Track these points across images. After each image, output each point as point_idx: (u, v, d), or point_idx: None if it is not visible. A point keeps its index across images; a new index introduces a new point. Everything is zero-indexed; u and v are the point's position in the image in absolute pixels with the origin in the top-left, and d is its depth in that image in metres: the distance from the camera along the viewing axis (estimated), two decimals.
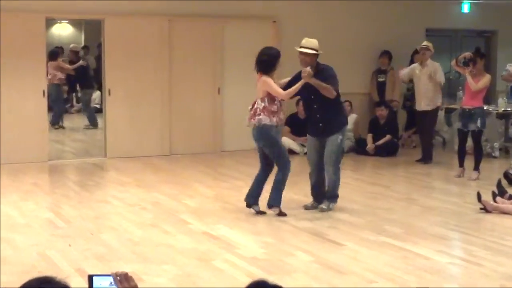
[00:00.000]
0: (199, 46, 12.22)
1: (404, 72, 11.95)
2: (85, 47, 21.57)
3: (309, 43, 8.15)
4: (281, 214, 7.70)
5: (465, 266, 6.06)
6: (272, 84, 7.64)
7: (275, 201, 7.71)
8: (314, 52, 8.06)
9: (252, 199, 7.80)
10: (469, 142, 10.68)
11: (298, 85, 7.73)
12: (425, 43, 11.67)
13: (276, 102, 7.68)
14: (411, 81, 13.08)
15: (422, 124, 11.79)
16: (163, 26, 11.96)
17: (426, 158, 11.55)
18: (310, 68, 7.81)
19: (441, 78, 11.46)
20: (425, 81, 11.46)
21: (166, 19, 11.99)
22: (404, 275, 5.70)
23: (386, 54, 13.46)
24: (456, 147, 10.81)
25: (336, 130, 7.98)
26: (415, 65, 11.81)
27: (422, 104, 11.55)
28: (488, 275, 5.75)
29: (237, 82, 12.53)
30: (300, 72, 7.83)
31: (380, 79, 13.43)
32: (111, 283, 2.71)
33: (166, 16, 12.00)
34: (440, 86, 11.57)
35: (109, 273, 2.74)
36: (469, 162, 10.37)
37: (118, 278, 2.72)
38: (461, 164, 10.33)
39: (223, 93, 12.54)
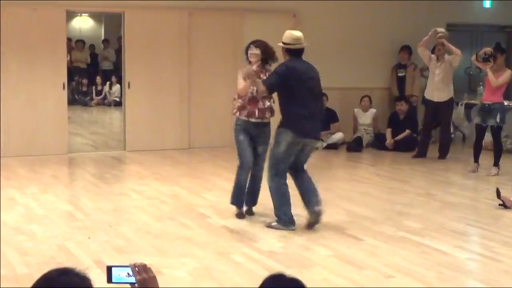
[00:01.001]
0: (219, 40, 12.21)
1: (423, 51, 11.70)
2: (105, 40, 21.69)
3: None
4: (238, 215, 7.43)
5: (484, 262, 6.02)
6: (238, 77, 7.30)
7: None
8: (281, 45, 7.08)
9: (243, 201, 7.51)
10: (489, 138, 10.62)
11: (246, 84, 7.12)
12: (441, 30, 11.49)
13: (242, 96, 7.32)
14: None
15: (429, 116, 11.68)
16: (183, 19, 11.97)
17: (444, 153, 11.48)
18: (259, 65, 7.26)
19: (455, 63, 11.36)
20: (440, 73, 11.37)
21: (186, 12, 11.99)
22: (423, 270, 5.68)
23: (406, 49, 13.39)
24: None
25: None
26: (433, 56, 11.70)
27: (435, 95, 11.47)
28: (508, 271, 5.71)
29: None
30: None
31: (400, 74, 13.37)
32: (129, 274, 2.72)
33: (185, 9, 12.01)
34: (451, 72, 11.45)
35: (128, 264, 2.75)
36: (489, 157, 10.31)
37: (137, 269, 2.73)
38: (476, 160, 10.27)
39: None
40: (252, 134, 7.29)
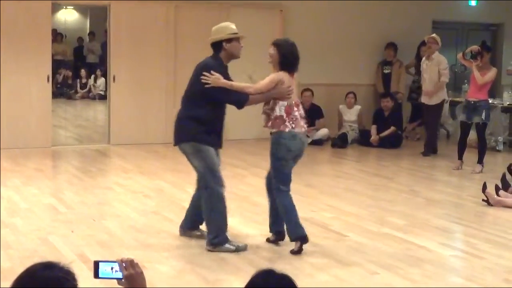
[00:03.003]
0: (205, 33, 12.01)
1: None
2: (91, 33, 21.60)
3: None
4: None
5: (468, 259, 6.04)
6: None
7: None
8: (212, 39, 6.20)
9: None
10: (473, 135, 10.66)
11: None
12: (433, 35, 11.60)
13: None
14: (417, 73, 13.07)
15: (428, 116, 11.76)
16: (169, 12, 11.93)
17: (428, 151, 11.53)
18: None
19: (444, 75, 11.36)
20: (430, 75, 11.42)
21: (172, 5, 11.96)
22: (407, 267, 5.69)
23: (391, 46, 13.43)
24: None
25: None
26: (423, 59, 11.74)
27: (427, 98, 11.51)
28: (491, 268, 5.73)
29: (241, 71, 12.48)
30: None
31: (386, 71, 13.41)
32: (116, 270, 2.71)
33: (172, 2, 11.97)
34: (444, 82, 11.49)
35: (115, 259, 2.74)
36: (473, 155, 10.35)
37: (124, 264, 2.71)
38: (460, 157, 10.32)
39: None
40: None
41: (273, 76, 6.01)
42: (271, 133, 6.17)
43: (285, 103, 6.00)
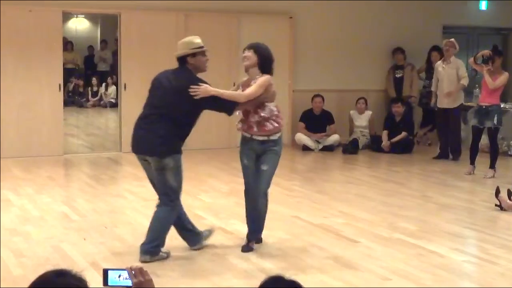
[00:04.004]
0: (215, 41, 12.18)
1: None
2: (103, 42, 21.68)
3: None
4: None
5: (480, 264, 6.02)
6: None
7: None
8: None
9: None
10: (485, 140, 10.63)
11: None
12: (452, 39, 11.53)
13: None
14: (427, 78, 13.05)
15: (443, 122, 11.71)
16: (179, 21, 11.96)
17: (457, 155, 11.48)
18: None
19: (464, 79, 11.36)
20: (448, 79, 11.38)
21: (182, 14, 11.99)
22: (419, 273, 5.67)
23: (399, 51, 13.42)
24: None
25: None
26: (439, 62, 11.72)
27: (445, 101, 11.46)
28: (503, 274, 5.71)
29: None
30: None
31: (398, 75, 13.40)
32: (126, 277, 2.71)
33: (182, 11, 12.01)
34: (464, 86, 11.48)
35: (124, 267, 2.74)
36: (485, 160, 10.32)
37: (133, 272, 2.72)
38: (472, 162, 10.29)
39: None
40: None
41: (264, 79, 6.04)
42: (266, 137, 6.12)
43: (274, 103, 6.14)
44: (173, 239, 6.42)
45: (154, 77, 6.20)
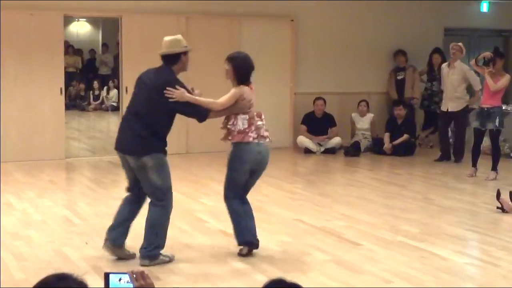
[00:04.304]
0: (216, 45, 12.21)
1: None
2: (104, 45, 21.72)
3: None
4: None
5: (483, 266, 6.01)
6: None
7: None
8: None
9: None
10: (487, 142, 10.62)
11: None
12: (459, 43, 11.50)
13: None
14: (429, 80, 13.05)
15: (445, 124, 11.70)
16: (180, 24, 11.96)
17: (459, 157, 11.48)
18: None
19: (476, 84, 11.36)
20: (452, 83, 11.38)
21: (183, 17, 11.99)
22: (421, 275, 5.67)
23: (401, 53, 13.42)
24: None
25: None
26: (444, 64, 11.71)
27: (449, 105, 11.44)
28: (506, 276, 5.70)
29: (254, 81, 12.48)
30: None
31: (399, 77, 13.39)
32: (127, 281, 2.71)
33: (183, 14, 12.01)
34: (478, 92, 11.43)
35: (126, 271, 2.74)
36: (486, 162, 10.31)
37: (135, 276, 2.71)
38: (474, 164, 10.28)
39: None
40: None
41: (234, 91, 6.09)
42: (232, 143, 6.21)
43: (246, 116, 6.11)
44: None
45: (138, 76, 6.29)
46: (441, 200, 8.69)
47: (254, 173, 6.21)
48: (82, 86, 20.08)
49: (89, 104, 19.89)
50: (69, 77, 19.53)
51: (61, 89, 11.39)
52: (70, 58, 20.15)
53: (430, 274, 5.70)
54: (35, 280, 2.48)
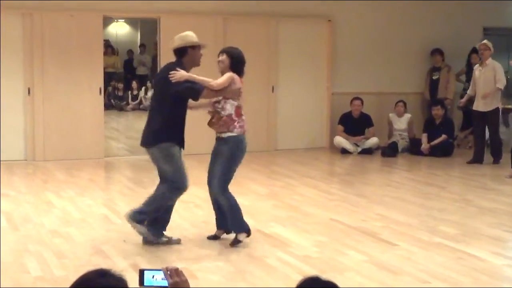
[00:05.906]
0: (254, 45, 12.23)
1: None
2: (141, 46, 21.89)
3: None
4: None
5: None
6: None
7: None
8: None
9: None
10: None
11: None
12: (484, 41, 11.42)
13: None
14: (467, 80, 12.92)
15: (479, 125, 11.57)
16: (218, 24, 12.02)
17: (495, 158, 11.33)
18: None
19: (500, 82, 11.18)
20: (485, 81, 11.25)
21: (220, 18, 12.05)
22: (458, 276, 5.64)
23: (437, 52, 13.31)
24: None
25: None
26: (477, 65, 11.60)
27: (481, 105, 11.32)
28: None
29: (291, 81, 12.55)
30: None
31: (435, 77, 13.30)
32: (162, 278, 2.74)
33: (221, 14, 12.07)
34: (499, 89, 11.29)
35: (160, 268, 2.77)
36: None
37: (169, 272, 2.74)
38: None
39: (277, 91, 12.55)
40: None
41: (230, 74, 6.48)
42: (218, 135, 6.63)
43: (235, 102, 6.51)
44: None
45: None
46: (479, 201, 8.62)
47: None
48: (120, 86, 20.26)
49: (128, 104, 20.06)
50: (108, 77, 19.74)
51: (100, 89, 11.53)
52: (109, 59, 20.36)
53: (467, 275, 5.67)
54: (74, 277, 2.52)
